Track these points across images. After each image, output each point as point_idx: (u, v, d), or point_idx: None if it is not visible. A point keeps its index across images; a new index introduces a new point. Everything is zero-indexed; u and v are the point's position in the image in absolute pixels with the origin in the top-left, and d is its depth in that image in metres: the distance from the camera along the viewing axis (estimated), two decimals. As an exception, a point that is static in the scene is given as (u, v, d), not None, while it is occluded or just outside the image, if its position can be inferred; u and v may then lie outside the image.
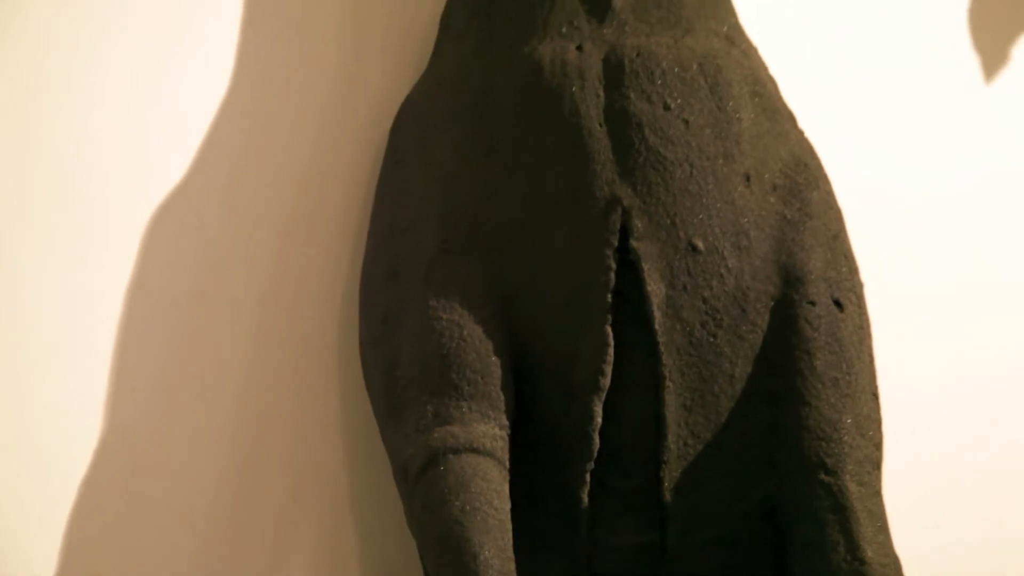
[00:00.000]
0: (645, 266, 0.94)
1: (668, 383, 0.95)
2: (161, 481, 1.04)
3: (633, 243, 0.95)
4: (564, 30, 0.98)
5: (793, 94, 1.08)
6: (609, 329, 0.94)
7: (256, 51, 1.09)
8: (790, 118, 1.05)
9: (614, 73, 0.97)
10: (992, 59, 1.51)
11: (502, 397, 0.94)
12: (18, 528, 0.97)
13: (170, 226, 1.04)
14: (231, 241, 1.07)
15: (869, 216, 1.26)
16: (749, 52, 1.04)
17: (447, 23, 1.06)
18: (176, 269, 1.05)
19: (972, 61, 1.49)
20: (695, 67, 0.98)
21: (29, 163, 1.00)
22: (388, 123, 1.08)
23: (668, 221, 0.95)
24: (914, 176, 1.44)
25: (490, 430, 0.93)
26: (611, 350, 0.94)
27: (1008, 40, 1.53)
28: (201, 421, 1.06)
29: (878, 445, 0.98)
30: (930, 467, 1.37)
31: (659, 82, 0.97)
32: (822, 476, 0.94)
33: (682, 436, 0.96)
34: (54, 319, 1.01)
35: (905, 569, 0.95)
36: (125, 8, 1.02)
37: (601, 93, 0.97)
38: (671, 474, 0.96)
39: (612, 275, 0.94)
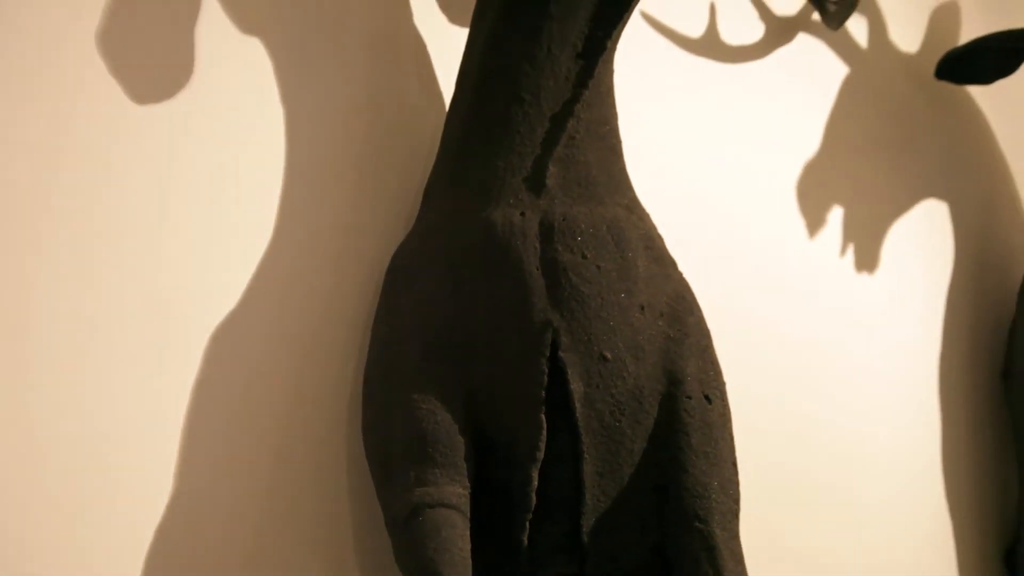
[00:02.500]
0: (569, 370, 0.96)
1: (586, 456, 0.96)
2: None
3: (561, 354, 0.96)
4: (511, 201, 1.00)
5: (674, 246, 1.10)
6: (543, 416, 0.95)
7: (292, 207, 1.07)
8: (673, 264, 1.07)
9: (547, 232, 0.99)
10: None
11: (465, 466, 0.95)
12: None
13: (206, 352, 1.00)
14: (264, 352, 1.04)
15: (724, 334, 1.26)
16: (643, 217, 1.06)
17: (428, 193, 1.07)
18: (213, 387, 1.00)
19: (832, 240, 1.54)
20: (604, 228, 1.00)
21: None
22: (385, 265, 1.08)
23: (586, 338, 0.97)
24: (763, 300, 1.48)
25: (456, 490, 0.94)
26: (544, 432, 0.95)
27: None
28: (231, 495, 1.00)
29: (736, 501, 0.99)
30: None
31: (579, 239, 0.99)
32: (696, 524, 0.95)
33: (596, 495, 0.97)
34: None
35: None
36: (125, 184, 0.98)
37: (538, 246, 0.98)
38: (588, 523, 0.97)
39: (545, 377, 0.96)
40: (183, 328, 1.00)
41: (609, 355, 0.98)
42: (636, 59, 1.35)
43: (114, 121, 0.99)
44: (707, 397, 1.01)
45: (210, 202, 1.03)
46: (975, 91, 1.75)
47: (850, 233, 1.57)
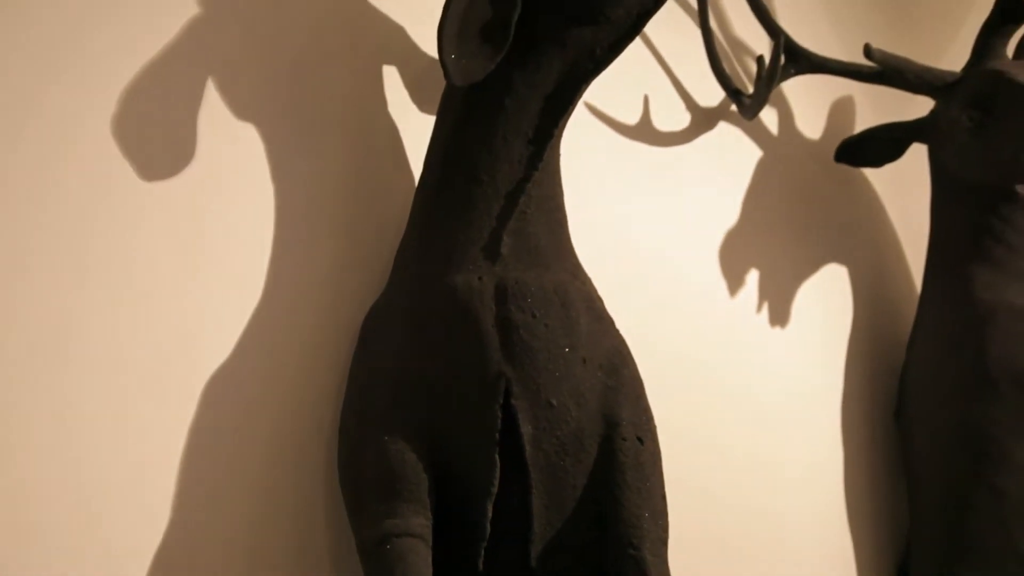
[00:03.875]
0: (520, 415, 0.96)
1: (534, 490, 0.96)
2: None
3: (513, 401, 0.96)
4: (471, 267, 0.99)
5: (612, 305, 1.10)
6: (497, 456, 0.95)
7: (279, 269, 1.07)
8: (611, 322, 1.06)
9: (501, 295, 0.98)
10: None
11: (428, 500, 0.94)
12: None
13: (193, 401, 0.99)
14: (254, 397, 1.04)
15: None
16: (585, 281, 1.07)
17: (398, 259, 1.07)
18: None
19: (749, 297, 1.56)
20: (552, 291, 1.00)
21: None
22: (360, 321, 1.08)
23: (534, 387, 0.97)
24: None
25: (420, 521, 0.93)
26: (497, 469, 0.95)
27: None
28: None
29: (665, 530, 0.99)
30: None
31: (529, 300, 0.99)
32: (630, 551, 0.95)
33: (543, 525, 0.96)
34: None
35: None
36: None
37: (493, 307, 0.98)
38: (537, 550, 0.96)
39: (499, 421, 0.95)
40: (180, 375, 1.00)
41: (555, 402, 0.97)
42: (581, 142, 1.37)
43: (123, 195, 1.00)
44: (640, 439, 1.00)
45: (208, 266, 1.04)
46: (869, 172, 1.79)
47: (764, 293, 1.59)
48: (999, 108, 1.47)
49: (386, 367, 1.00)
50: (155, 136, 1.03)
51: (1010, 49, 1.60)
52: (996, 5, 1.54)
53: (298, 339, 1.08)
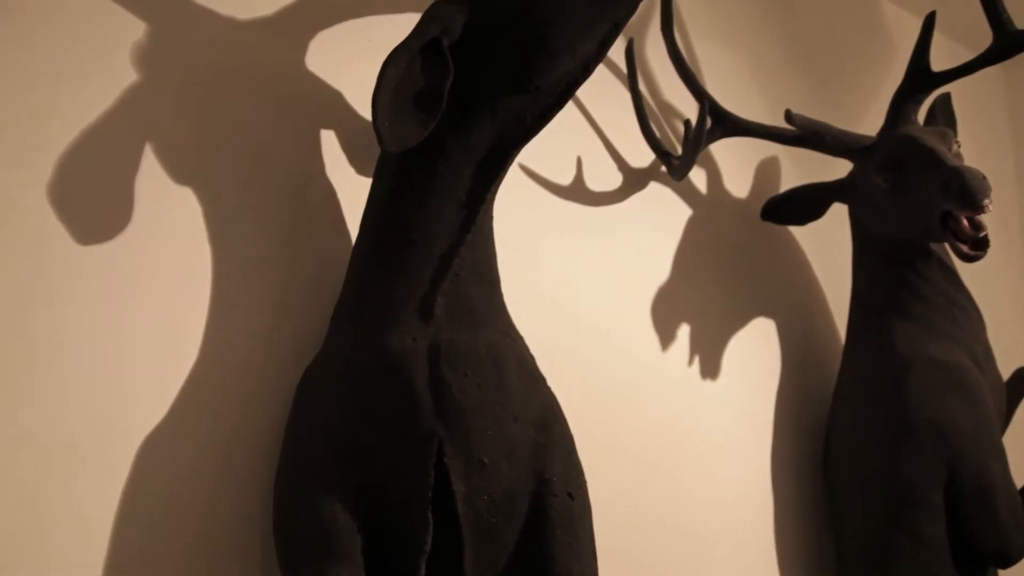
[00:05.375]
0: (452, 474, 0.96)
1: (467, 547, 0.96)
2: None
3: (445, 460, 0.96)
4: (404, 328, 1.00)
5: (544, 362, 1.11)
6: (430, 514, 0.95)
7: (216, 330, 1.08)
8: (542, 380, 1.08)
9: (434, 355, 0.99)
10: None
11: (361, 558, 0.95)
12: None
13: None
14: (191, 457, 1.04)
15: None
16: (517, 339, 1.08)
17: (334, 319, 1.07)
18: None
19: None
20: (484, 351, 1.01)
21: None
22: (296, 381, 1.09)
23: (467, 446, 0.97)
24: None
25: None
26: (430, 527, 0.95)
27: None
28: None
29: None
30: None
31: (462, 360, 0.99)
32: None
33: None
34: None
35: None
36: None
37: (426, 367, 0.99)
38: None
39: (432, 480, 0.96)
40: (114, 437, 1.00)
41: (487, 460, 0.98)
42: (515, 203, 1.40)
43: (59, 259, 1.00)
44: (570, 495, 1.02)
45: (143, 328, 1.05)
46: (794, 229, 1.84)
47: (695, 346, 1.62)
48: (911, 170, 1.54)
49: (320, 427, 1.01)
50: (91, 200, 1.03)
51: (921, 115, 1.68)
52: (907, 75, 1.62)
53: (234, 399, 1.08)
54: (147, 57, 1.09)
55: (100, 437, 0.97)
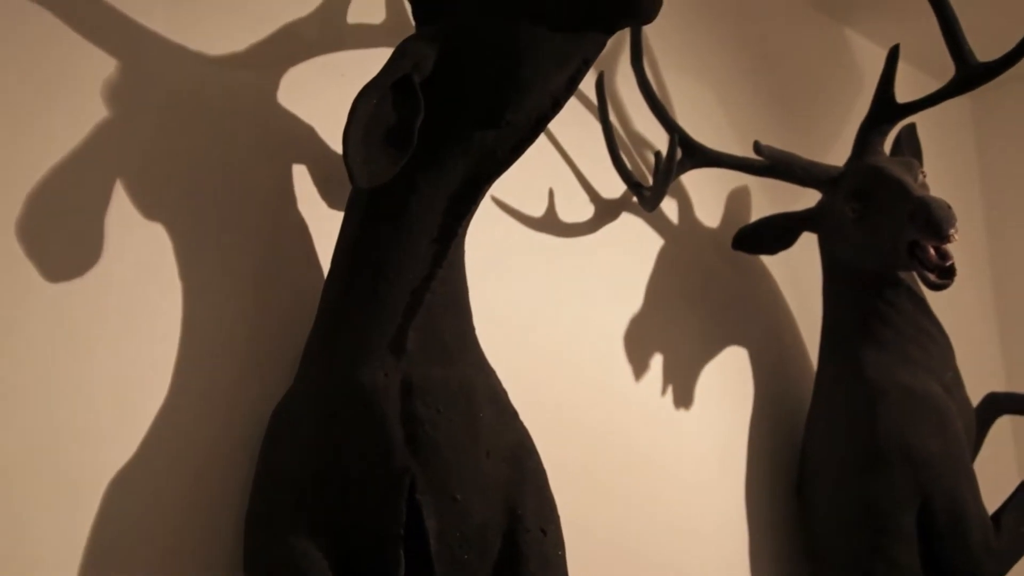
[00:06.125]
0: (424, 510, 0.96)
1: None
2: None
3: (417, 496, 0.96)
4: (377, 363, 1.00)
5: (516, 396, 1.11)
6: (401, 552, 0.95)
7: (187, 364, 1.07)
8: (514, 415, 1.08)
9: (407, 390, 0.99)
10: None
11: None
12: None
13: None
14: (157, 497, 1.03)
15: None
16: (490, 374, 1.08)
17: (306, 354, 1.07)
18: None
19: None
20: (456, 386, 1.02)
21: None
22: (267, 417, 1.08)
23: (439, 481, 0.97)
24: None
25: None
26: (402, 565, 0.95)
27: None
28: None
29: None
30: None
31: (434, 396, 0.99)
32: None
33: None
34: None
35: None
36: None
37: (399, 402, 0.99)
38: None
39: (404, 516, 0.95)
40: (83, 472, 0.99)
41: (459, 496, 0.98)
42: (487, 234, 1.40)
43: (27, 296, 0.99)
44: (543, 530, 1.02)
45: (114, 363, 1.04)
46: (765, 258, 1.85)
47: (669, 376, 1.62)
48: (878, 200, 1.56)
49: (293, 462, 1.00)
50: (60, 236, 1.03)
51: (887, 145, 1.70)
52: (872, 107, 1.65)
53: (206, 434, 1.07)
54: (117, 92, 1.09)
55: (65, 471, 0.97)
